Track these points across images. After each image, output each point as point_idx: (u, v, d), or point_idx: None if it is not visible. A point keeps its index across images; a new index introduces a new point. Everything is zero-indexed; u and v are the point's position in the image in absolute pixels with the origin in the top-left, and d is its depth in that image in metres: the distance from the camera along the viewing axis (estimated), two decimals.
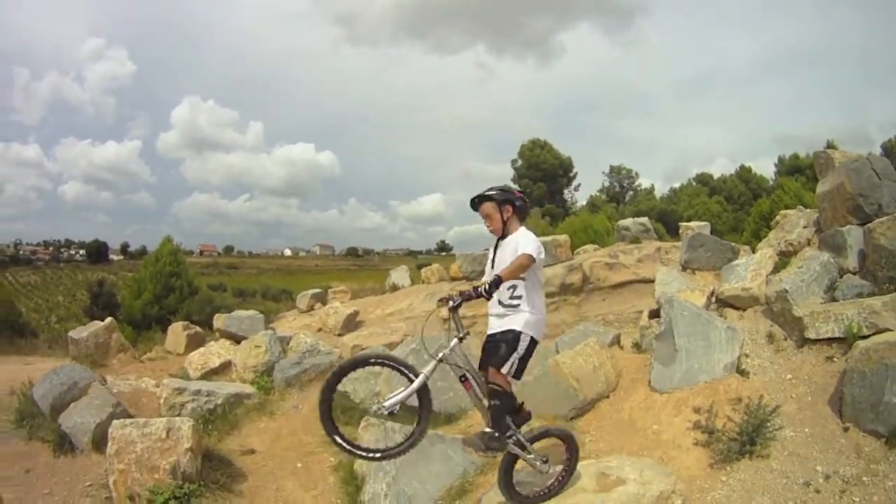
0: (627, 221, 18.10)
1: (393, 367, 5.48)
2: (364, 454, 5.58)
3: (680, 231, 16.28)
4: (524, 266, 5.20)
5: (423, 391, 5.30)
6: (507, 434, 5.47)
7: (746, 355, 8.29)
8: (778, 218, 12.40)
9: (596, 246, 18.66)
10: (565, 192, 57.44)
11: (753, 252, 11.40)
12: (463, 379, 5.45)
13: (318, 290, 20.88)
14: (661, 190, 60.92)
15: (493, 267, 5.69)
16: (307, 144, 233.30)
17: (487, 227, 5.73)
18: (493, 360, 5.40)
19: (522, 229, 5.60)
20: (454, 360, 5.38)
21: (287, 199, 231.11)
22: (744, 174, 55.41)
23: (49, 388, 10.38)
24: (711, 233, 15.25)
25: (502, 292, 5.38)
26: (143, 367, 14.33)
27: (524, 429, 5.77)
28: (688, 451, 7.08)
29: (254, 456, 8.56)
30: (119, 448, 7.57)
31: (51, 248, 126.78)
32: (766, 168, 62.43)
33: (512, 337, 5.38)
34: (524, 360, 5.43)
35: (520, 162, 56.73)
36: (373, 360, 5.49)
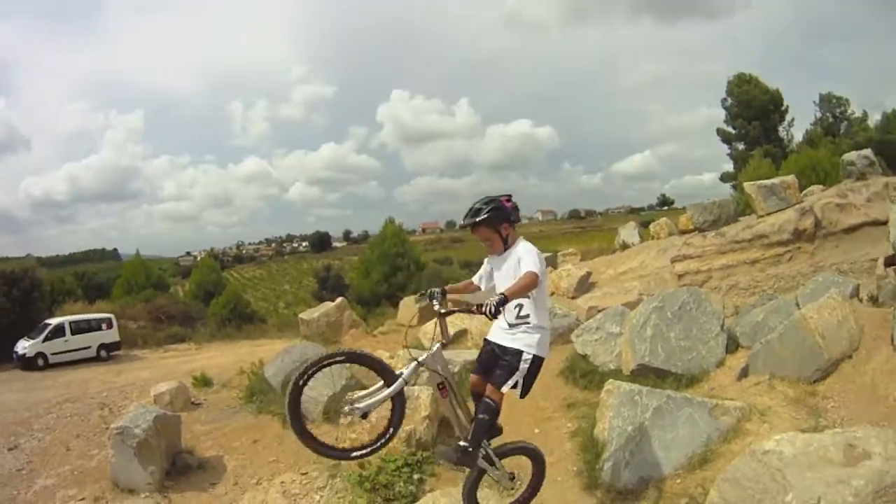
0: (852, 155, 16.68)
1: (367, 366, 5.20)
2: (329, 452, 5.15)
3: None
4: (529, 286, 4.84)
5: (397, 396, 5.01)
6: (480, 449, 5.27)
7: None
8: None
9: (821, 186, 17.70)
10: (780, 128, 53.16)
11: None
12: (440, 387, 5.21)
13: (547, 255, 20.94)
14: (874, 117, 55.07)
15: (489, 280, 5.55)
16: (522, 121, 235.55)
17: (487, 249, 5.42)
18: (493, 378, 5.19)
19: (521, 242, 5.27)
20: (434, 365, 5.14)
21: (506, 173, 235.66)
22: None
23: (281, 365, 11.22)
24: None
25: (509, 310, 5.10)
26: (375, 341, 15.07)
27: (494, 442, 5.50)
28: None
29: None
30: (353, 418, 7.76)
31: (272, 245, 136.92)
32: None
33: (516, 357, 5.13)
34: (529, 379, 5.18)
35: (729, 101, 53.15)
36: (344, 357, 5.09)
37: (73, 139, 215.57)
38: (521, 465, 5.90)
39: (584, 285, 15.35)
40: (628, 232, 21.33)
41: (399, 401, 5.03)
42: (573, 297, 14.62)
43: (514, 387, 5.11)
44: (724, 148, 53.34)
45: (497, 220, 5.18)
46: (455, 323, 12.43)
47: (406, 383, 4.96)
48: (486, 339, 5.51)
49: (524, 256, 5.01)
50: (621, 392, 7.52)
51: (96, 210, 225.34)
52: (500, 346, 5.27)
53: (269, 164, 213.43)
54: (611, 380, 8.00)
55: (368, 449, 5.07)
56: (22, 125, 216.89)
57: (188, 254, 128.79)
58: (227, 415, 11.48)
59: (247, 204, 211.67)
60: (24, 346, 22.82)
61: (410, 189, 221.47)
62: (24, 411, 13.55)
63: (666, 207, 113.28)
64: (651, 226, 20.42)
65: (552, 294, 14.83)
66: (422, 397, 8.27)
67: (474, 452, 5.17)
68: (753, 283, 13.46)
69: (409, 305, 16.76)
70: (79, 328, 23.93)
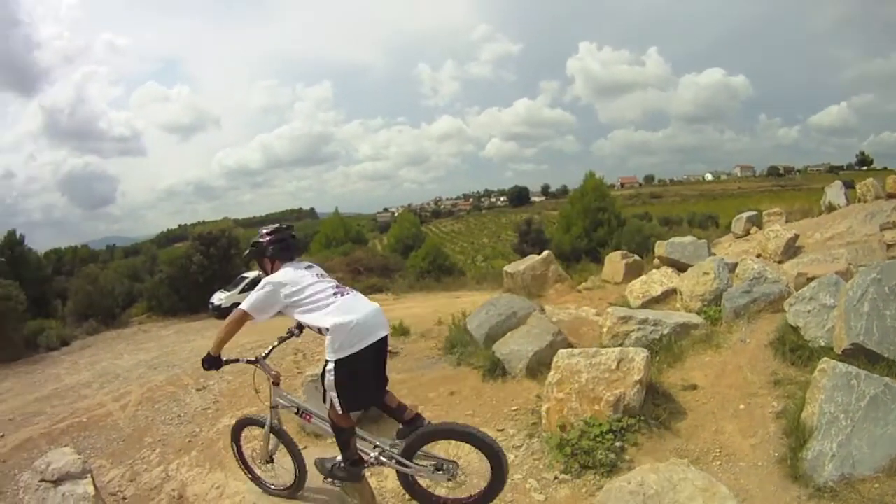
0: None
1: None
2: (258, 483, 6.09)
3: None
4: (233, 323, 5.09)
5: (279, 435, 5.80)
6: (360, 463, 5.37)
7: None
8: None
9: None
10: None
11: None
12: (301, 414, 5.65)
13: (752, 213, 20.18)
14: None
15: None
16: (714, 69, 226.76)
17: None
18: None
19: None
20: (283, 403, 5.75)
21: (701, 125, 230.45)
22: None
23: (485, 318, 11.20)
24: None
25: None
26: (580, 297, 14.99)
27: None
28: None
29: (695, 392, 8.14)
30: (562, 377, 7.72)
31: (470, 200, 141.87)
32: None
33: (322, 371, 5.02)
34: (344, 388, 4.89)
35: None
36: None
37: (262, 113, 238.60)
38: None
39: (791, 249, 14.31)
40: (835, 192, 19.83)
41: (286, 442, 5.84)
42: (779, 262, 13.68)
43: (335, 402, 4.96)
44: None
45: (256, 256, 5.57)
46: (662, 282, 12.22)
47: (273, 424, 5.83)
48: None
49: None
50: (837, 373, 6.70)
51: (291, 174, 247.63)
52: None
53: (462, 121, 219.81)
54: (825, 358, 7.13)
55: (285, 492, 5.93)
56: (211, 107, 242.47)
57: (385, 210, 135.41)
58: (424, 365, 11.55)
59: (443, 161, 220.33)
60: (219, 298, 25.14)
61: (607, 143, 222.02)
62: None
63: (865, 167, 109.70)
64: (858, 187, 19.00)
65: (758, 256, 14.20)
66: (636, 360, 7.73)
67: (348, 468, 5.35)
68: None
69: (615, 261, 16.52)
70: None
